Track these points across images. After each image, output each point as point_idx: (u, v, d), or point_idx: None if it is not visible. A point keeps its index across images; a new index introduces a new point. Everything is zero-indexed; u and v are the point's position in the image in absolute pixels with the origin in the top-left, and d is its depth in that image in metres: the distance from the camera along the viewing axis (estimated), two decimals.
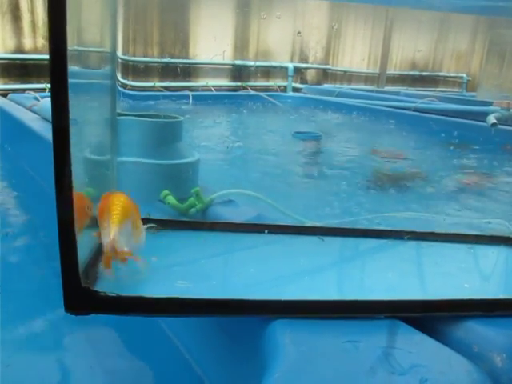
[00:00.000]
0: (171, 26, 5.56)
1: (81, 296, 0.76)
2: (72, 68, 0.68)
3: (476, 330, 0.82)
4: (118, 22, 0.97)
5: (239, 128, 4.11)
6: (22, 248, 1.55)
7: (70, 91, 0.66)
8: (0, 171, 2.37)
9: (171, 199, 1.23)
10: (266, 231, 1.07)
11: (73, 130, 0.69)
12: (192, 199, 1.25)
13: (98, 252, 0.93)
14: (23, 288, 1.31)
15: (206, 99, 5.13)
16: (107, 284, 0.84)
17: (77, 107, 0.74)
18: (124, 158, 1.34)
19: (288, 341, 0.72)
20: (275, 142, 3.33)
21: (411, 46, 7.75)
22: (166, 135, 1.36)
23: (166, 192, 1.24)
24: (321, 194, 2.18)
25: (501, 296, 0.89)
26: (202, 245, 1.04)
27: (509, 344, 0.79)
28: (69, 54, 0.64)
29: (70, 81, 0.66)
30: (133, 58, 5.34)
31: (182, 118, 1.40)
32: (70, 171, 0.68)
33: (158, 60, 5.51)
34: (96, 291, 0.77)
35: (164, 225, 1.10)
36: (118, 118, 1.31)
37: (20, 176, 2.34)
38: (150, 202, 1.30)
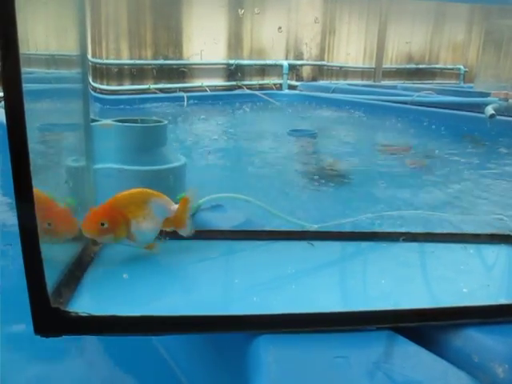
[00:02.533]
0: (164, 28, 5.51)
1: (50, 317, 0.70)
2: (28, 72, 0.63)
3: (476, 339, 0.76)
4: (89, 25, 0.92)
5: (234, 127, 4.06)
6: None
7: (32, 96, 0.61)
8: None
9: None
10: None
11: (34, 136, 0.64)
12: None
13: (75, 268, 0.88)
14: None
15: (201, 100, 5.08)
16: (85, 302, 0.79)
17: (39, 113, 0.69)
18: (106, 165, 1.29)
19: (271, 358, 0.67)
20: (270, 140, 3.28)
21: (407, 39, 7.69)
22: (150, 140, 1.31)
23: None
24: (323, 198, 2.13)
25: (502, 301, 0.84)
26: (185, 255, 0.99)
27: (508, 351, 0.74)
28: (25, 57, 0.59)
29: (29, 86, 0.61)
30: (127, 62, 5.29)
31: (165, 122, 1.35)
32: (30, 178, 0.63)
33: (152, 62, 5.46)
34: (67, 311, 0.72)
35: None
36: (98, 123, 1.27)
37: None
38: None
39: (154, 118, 1.35)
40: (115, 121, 1.32)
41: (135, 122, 1.32)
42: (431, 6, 7.68)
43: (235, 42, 5.90)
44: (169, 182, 1.29)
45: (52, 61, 0.79)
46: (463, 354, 0.76)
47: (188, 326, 0.72)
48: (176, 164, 1.33)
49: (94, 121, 0.98)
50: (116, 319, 0.71)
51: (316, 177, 2.32)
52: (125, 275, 0.80)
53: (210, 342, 0.93)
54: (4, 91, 0.59)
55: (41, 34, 0.75)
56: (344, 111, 4.76)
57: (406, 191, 2.14)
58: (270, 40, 6.15)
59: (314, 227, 1.36)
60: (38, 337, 0.70)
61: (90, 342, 1.11)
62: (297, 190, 2.12)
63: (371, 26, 7.07)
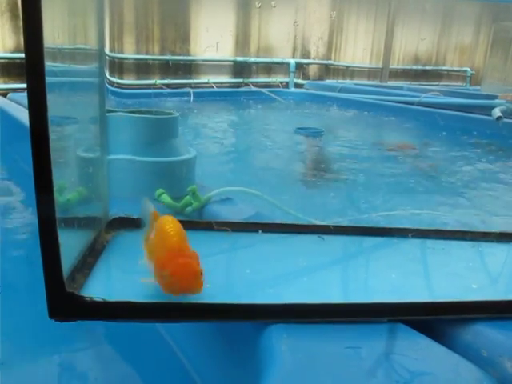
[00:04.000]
0: (172, 24, 5.51)
1: (65, 302, 0.71)
2: (51, 65, 0.64)
3: (485, 334, 0.77)
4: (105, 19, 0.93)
5: (240, 124, 4.07)
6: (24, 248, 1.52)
7: (52, 89, 0.62)
8: (0, 171, 2.34)
9: (166, 198, 1.18)
10: (259, 231, 1.02)
11: (55, 128, 0.65)
12: (188, 197, 1.21)
13: (88, 254, 0.89)
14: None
15: (207, 96, 5.09)
16: (98, 288, 0.80)
17: (59, 105, 0.70)
18: (118, 156, 1.30)
19: (284, 347, 0.68)
20: (277, 138, 3.28)
21: (414, 40, 7.68)
22: (161, 132, 1.32)
23: (161, 191, 1.20)
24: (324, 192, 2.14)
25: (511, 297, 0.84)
26: (197, 245, 1.00)
27: None
28: (48, 51, 0.60)
29: (52, 79, 0.62)
30: (132, 56, 5.30)
31: (177, 114, 1.35)
32: (50, 169, 0.64)
33: (159, 57, 5.47)
34: (81, 296, 0.73)
35: None
36: (111, 114, 1.27)
37: (20, 176, 2.30)
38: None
39: (168, 110, 1.36)
40: (127, 112, 1.32)
41: (147, 113, 1.33)
42: (439, 8, 7.66)
43: (242, 40, 5.91)
44: (180, 173, 1.29)
45: (71, 55, 0.80)
46: (472, 349, 0.76)
47: (200, 313, 0.73)
48: (187, 156, 1.34)
49: (109, 111, 0.99)
50: (130, 305, 0.72)
51: (322, 173, 2.33)
52: (140, 261, 0.80)
53: (219, 332, 0.94)
54: (27, 82, 0.60)
55: (61, 27, 0.75)
56: (350, 110, 4.76)
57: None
58: (278, 38, 6.15)
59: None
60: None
61: (97, 330, 1.12)
62: (304, 187, 2.13)
63: (379, 26, 7.07)
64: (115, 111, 1.25)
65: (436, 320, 0.79)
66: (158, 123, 1.31)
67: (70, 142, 0.86)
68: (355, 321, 0.75)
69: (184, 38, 5.53)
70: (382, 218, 1.38)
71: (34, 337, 1.09)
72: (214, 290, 0.82)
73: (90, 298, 0.72)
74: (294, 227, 1.07)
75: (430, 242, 1.06)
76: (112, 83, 4.86)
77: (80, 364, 1.04)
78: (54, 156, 0.64)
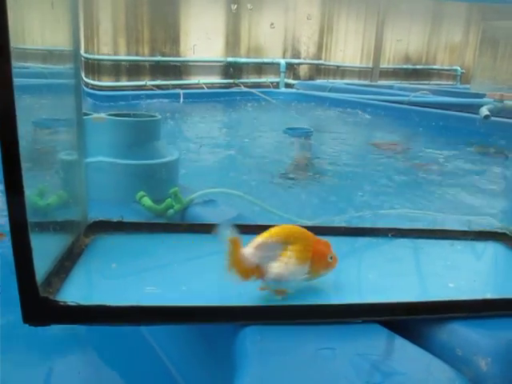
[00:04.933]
0: (162, 25, 5.50)
1: (39, 306, 0.71)
2: (21, 66, 0.63)
3: (460, 333, 0.77)
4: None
5: (229, 125, 4.07)
6: None
7: (22, 91, 0.62)
8: None
9: (147, 201, 1.18)
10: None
11: (27, 131, 0.64)
12: (169, 200, 1.21)
13: (65, 258, 0.89)
14: None
15: (197, 97, 5.08)
16: (74, 292, 0.80)
17: (30, 107, 0.70)
18: (99, 159, 1.30)
19: (257, 349, 0.68)
20: (265, 139, 3.28)
21: (404, 40, 7.71)
22: (143, 134, 1.31)
23: (142, 193, 1.20)
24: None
25: (488, 296, 0.85)
26: (176, 248, 1.00)
27: (494, 347, 0.75)
28: (17, 52, 0.60)
29: (21, 80, 0.61)
30: (123, 58, 5.29)
31: (159, 117, 1.35)
32: (21, 173, 0.63)
33: (149, 58, 5.46)
34: (55, 301, 0.72)
35: (137, 228, 1.05)
36: (95, 117, 1.27)
37: None
38: (126, 203, 1.26)
39: (150, 113, 1.36)
40: (109, 115, 1.32)
41: (130, 116, 1.32)
42: (429, 7, 7.69)
43: (233, 40, 5.90)
44: (162, 176, 1.29)
45: (44, 56, 0.80)
46: (447, 348, 0.77)
47: (175, 316, 0.73)
48: (169, 158, 1.33)
49: (86, 115, 0.98)
50: (104, 309, 0.72)
51: (310, 173, 2.33)
52: (113, 265, 0.80)
53: (201, 332, 0.94)
54: None
55: (33, 27, 0.75)
56: (340, 110, 4.77)
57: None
58: (268, 38, 6.16)
59: (307, 224, 1.37)
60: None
61: (80, 331, 1.11)
62: (286, 186, 2.13)
63: (369, 25, 7.09)
64: (90, 114, 1.25)
65: (412, 320, 0.80)
66: (139, 126, 1.30)
67: (45, 145, 0.86)
68: (330, 322, 0.75)
69: (174, 39, 5.52)
70: (362, 218, 1.38)
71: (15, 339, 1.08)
72: (192, 292, 0.82)
73: (64, 302, 0.72)
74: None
75: (409, 242, 1.06)
76: (87, 85, 4.85)
77: (62, 366, 1.04)
78: (26, 159, 0.64)
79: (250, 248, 0.77)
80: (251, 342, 0.70)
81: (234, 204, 1.37)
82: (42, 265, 0.78)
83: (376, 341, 0.72)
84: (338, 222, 1.47)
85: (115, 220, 1.05)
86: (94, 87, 4.93)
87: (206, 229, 1.07)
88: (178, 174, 1.40)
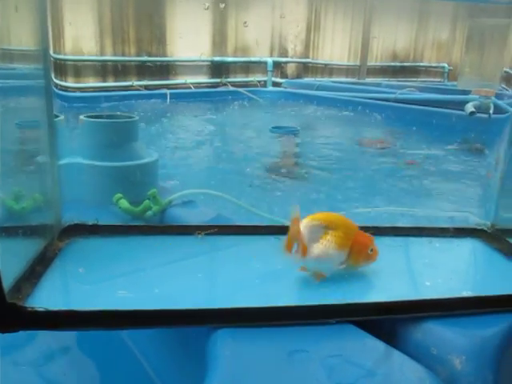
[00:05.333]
0: (148, 25, 5.48)
1: (5, 312, 0.70)
2: None
3: (435, 332, 0.77)
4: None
5: (216, 124, 4.05)
6: None
7: None
8: None
9: (124, 203, 1.17)
10: (200, 233, 1.01)
11: None
12: (147, 202, 1.19)
13: (37, 263, 0.87)
14: None
15: (184, 97, 5.06)
16: (45, 297, 0.79)
17: None
18: (77, 161, 1.28)
19: (228, 352, 0.67)
20: (251, 138, 3.27)
21: (392, 38, 7.73)
22: (120, 136, 1.30)
23: (119, 195, 1.18)
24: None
25: (463, 294, 0.85)
26: (152, 250, 0.99)
27: (468, 345, 0.74)
28: None
29: None
30: (110, 58, 5.25)
31: (136, 118, 1.34)
32: None
33: (135, 58, 5.43)
34: (23, 307, 0.71)
35: (113, 231, 1.04)
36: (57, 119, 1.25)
37: None
38: (105, 206, 1.24)
39: (126, 113, 1.34)
40: (86, 116, 1.31)
41: (107, 117, 1.31)
42: (416, 5, 7.72)
43: (219, 39, 5.89)
44: (140, 177, 1.28)
45: (8, 56, 0.78)
46: (422, 347, 0.76)
47: (144, 320, 0.72)
48: (147, 160, 1.32)
49: (56, 116, 0.97)
50: (72, 314, 0.71)
51: (294, 171, 2.33)
52: (80, 269, 0.79)
53: (179, 335, 0.93)
54: None
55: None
56: (327, 108, 4.78)
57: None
58: (255, 37, 6.15)
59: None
60: None
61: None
62: (268, 185, 2.12)
63: (356, 23, 7.10)
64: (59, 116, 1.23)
65: (387, 319, 0.79)
66: (115, 127, 1.29)
67: (15, 147, 0.84)
68: (304, 323, 0.74)
69: (160, 39, 5.49)
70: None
71: None
72: (163, 295, 0.81)
73: (32, 307, 0.71)
74: (251, 229, 1.06)
75: (388, 240, 1.06)
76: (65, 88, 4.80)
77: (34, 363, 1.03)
78: None
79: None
80: (222, 345, 0.69)
81: (214, 205, 1.36)
82: (10, 270, 0.77)
83: (349, 342, 0.72)
84: None
85: (90, 223, 1.04)
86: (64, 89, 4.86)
87: (183, 230, 1.06)
88: (158, 175, 1.38)
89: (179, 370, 0.96)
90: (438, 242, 1.06)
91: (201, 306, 0.75)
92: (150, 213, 1.22)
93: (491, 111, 3.54)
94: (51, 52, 0.99)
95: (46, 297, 0.79)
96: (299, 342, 0.70)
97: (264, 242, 1.03)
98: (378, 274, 0.91)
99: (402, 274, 0.93)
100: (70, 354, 1.07)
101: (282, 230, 1.06)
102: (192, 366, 0.90)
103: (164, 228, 1.07)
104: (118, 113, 1.33)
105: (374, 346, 0.71)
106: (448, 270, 0.95)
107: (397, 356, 0.70)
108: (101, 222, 1.05)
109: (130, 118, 1.33)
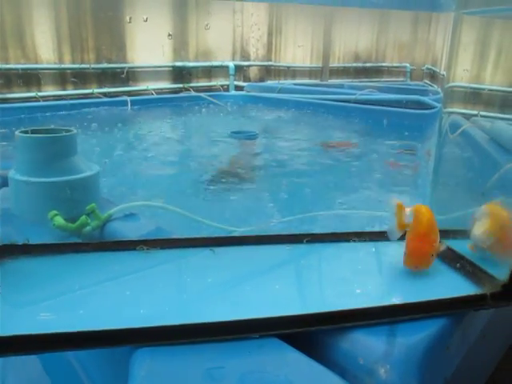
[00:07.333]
0: (106, 31, 5.41)
1: None
2: None
3: (361, 341, 0.77)
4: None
5: (175, 131, 4.02)
6: None
7: None
8: None
9: (58, 220, 1.14)
10: (142, 247, 1.00)
11: None
12: (83, 217, 1.17)
13: None
14: None
15: (146, 103, 5.01)
16: None
17: None
18: (13, 177, 1.25)
19: (143, 372, 0.66)
20: (208, 143, 3.25)
21: (353, 39, 7.80)
22: (57, 150, 1.27)
23: (54, 212, 1.15)
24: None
25: (392, 301, 0.85)
26: (84, 269, 0.97)
27: (392, 354, 0.75)
28: None
29: None
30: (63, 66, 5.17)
31: (75, 131, 1.31)
32: None
33: (97, 66, 5.35)
34: None
35: (45, 250, 1.01)
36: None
37: None
38: (44, 223, 1.21)
39: (65, 127, 1.31)
40: (21, 132, 1.27)
41: (44, 132, 1.28)
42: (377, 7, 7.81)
43: (181, 44, 5.85)
44: (79, 192, 1.25)
45: None
46: (350, 357, 0.76)
47: (62, 342, 0.70)
48: (87, 174, 1.29)
49: None
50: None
51: (240, 179, 2.32)
52: None
53: (117, 352, 0.91)
54: None
55: None
56: (289, 111, 4.79)
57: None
58: (217, 41, 6.13)
59: (239, 231, 1.36)
60: None
61: None
62: (220, 192, 2.11)
63: (317, 25, 7.14)
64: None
65: (315, 331, 0.79)
66: (52, 142, 1.26)
67: None
68: (225, 339, 0.73)
69: (119, 45, 5.43)
70: (287, 224, 1.38)
71: None
72: (86, 318, 0.79)
73: None
74: (186, 242, 1.05)
75: (323, 247, 1.06)
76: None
77: None
78: None
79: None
80: (139, 365, 0.68)
81: (158, 216, 1.34)
82: None
83: (269, 356, 0.71)
84: (269, 228, 1.46)
85: (21, 243, 1.01)
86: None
87: (117, 246, 1.05)
88: (99, 188, 1.36)
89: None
90: (373, 247, 1.07)
91: (122, 325, 0.74)
92: (88, 228, 1.19)
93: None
94: None
95: None
96: (218, 358, 0.69)
97: (200, 255, 1.01)
98: (309, 283, 0.92)
99: (334, 282, 0.92)
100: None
101: (218, 242, 1.06)
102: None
103: (98, 245, 1.04)
104: (52, 126, 1.30)
105: (294, 359, 0.71)
106: (379, 276, 0.96)
107: (315, 368, 0.69)
108: (32, 242, 1.02)
109: (68, 131, 1.31)
